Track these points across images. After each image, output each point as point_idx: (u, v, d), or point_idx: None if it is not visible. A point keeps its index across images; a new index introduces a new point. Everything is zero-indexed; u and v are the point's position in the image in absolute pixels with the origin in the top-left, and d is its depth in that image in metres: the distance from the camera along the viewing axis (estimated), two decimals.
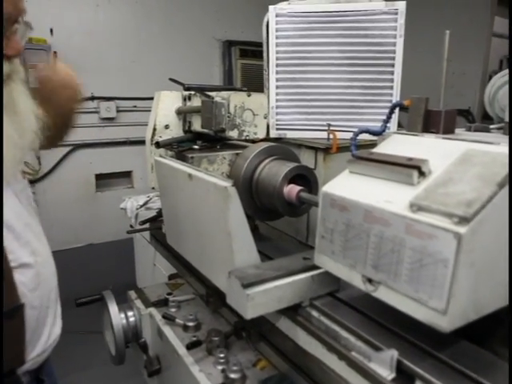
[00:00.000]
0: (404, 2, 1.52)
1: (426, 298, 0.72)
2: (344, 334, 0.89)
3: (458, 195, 0.72)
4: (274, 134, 1.63)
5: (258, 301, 0.89)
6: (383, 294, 0.81)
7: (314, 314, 0.97)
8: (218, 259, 1.07)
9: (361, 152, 0.95)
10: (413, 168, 0.81)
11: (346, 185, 0.91)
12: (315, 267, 0.98)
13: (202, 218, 1.11)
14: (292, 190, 1.20)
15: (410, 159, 0.83)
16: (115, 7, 4.04)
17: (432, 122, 1.05)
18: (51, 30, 3.76)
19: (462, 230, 0.66)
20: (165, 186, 1.31)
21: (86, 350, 3.06)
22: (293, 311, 0.99)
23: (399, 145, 0.98)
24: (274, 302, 0.93)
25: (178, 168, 1.16)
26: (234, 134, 1.36)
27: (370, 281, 0.83)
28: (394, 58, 1.57)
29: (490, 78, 3.99)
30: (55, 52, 3.71)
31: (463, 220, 0.67)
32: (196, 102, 1.58)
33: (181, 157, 1.32)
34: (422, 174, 0.81)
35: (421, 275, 0.73)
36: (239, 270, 0.94)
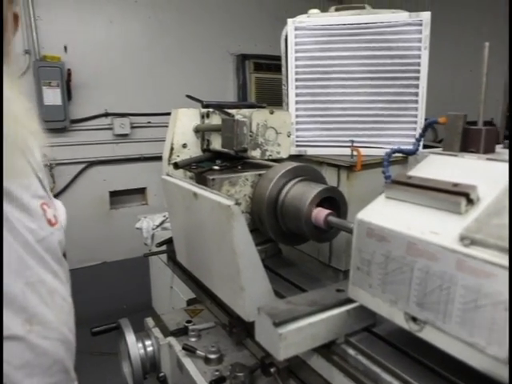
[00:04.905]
0: (429, 13, 1.47)
1: (482, 343, 0.65)
2: (386, 377, 0.81)
3: None
4: (293, 150, 1.58)
5: (291, 340, 0.82)
6: (430, 335, 0.73)
7: (351, 352, 0.89)
8: (225, 277, 1.09)
9: (398, 175, 0.88)
10: (460, 195, 0.74)
11: (384, 212, 0.84)
12: (350, 300, 0.91)
13: (209, 236, 1.11)
14: (319, 213, 1.13)
15: (456, 185, 0.76)
16: (129, 23, 4.05)
17: (471, 140, 0.98)
18: (65, 48, 3.78)
19: None
20: (172, 204, 1.33)
21: (100, 373, 2.99)
22: (326, 348, 0.92)
23: (438, 167, 0.91)
24: (307, 341, 0.86)
25: (183, 187, 1.17)
26: (256, 153, 1.30)
27: (414, 319, 0.76)
28: (418, 71, 1.51)
29: None
30: (69, 69, 3.73)
31: None
32: (215, 119, 1.53)
33: (201, 179, 1.27)
34: (470, 201, 0.74)
35: (476, 317, 0.65)
36: (269, 305, 0.87)
